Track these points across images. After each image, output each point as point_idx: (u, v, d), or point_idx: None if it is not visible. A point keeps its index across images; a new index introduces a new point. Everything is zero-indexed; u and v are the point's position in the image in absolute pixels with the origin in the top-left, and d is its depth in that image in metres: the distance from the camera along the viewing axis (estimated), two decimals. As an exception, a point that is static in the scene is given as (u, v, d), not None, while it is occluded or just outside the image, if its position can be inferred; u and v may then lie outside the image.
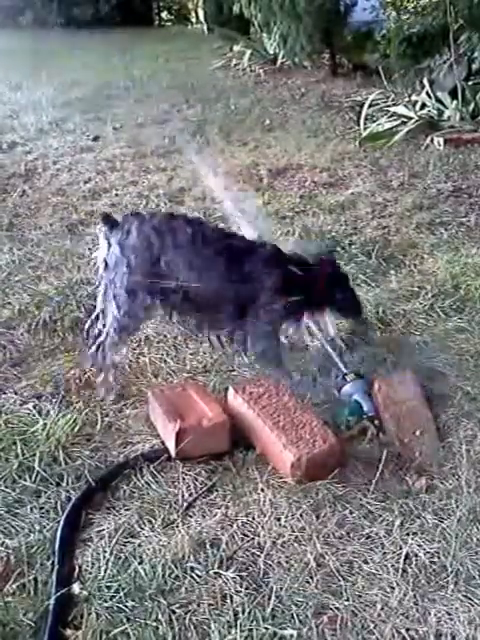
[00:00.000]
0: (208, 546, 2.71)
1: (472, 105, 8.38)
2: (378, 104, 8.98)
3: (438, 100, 8.63)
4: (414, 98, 8.89)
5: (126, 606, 2.46)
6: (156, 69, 13.22)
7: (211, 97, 10.98)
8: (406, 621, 2.43)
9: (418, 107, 8.70)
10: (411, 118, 8.40)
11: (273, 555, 2.69)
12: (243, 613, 2.43)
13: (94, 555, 2.68)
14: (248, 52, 13.49)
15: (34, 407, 3.51)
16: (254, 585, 2.55)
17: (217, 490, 3.01)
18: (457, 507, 2.88)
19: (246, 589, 2.53)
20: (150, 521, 2.84)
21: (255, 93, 11.43)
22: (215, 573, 2.59)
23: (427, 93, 8.77)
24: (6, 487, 3.00)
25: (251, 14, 11.59)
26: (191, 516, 2.88)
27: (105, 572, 2.59)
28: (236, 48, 14.07)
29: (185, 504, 2.92)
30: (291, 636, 2.37)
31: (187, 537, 2.73)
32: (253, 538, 2.77)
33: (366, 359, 3.95)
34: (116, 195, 6.70)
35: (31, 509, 2.89)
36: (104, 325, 3.59)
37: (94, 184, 7.04)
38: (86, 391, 3.64)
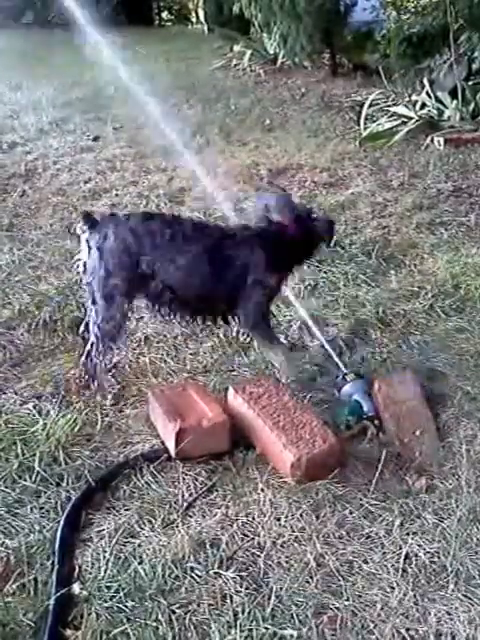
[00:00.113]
0: (208, 546, 2.71)
1: (472, 105, 8.38)
2: (378, 104, 8.97)
3: (438, 100, 8.63)
4: (414, 98, 8.89)
5: (126, 606, 2.46)
6: (156, 69, 13.20)
7: (211, 97, 10.97)
8: (406, 621, 2.43)
9: (418, 107, 8.70)
10: (411, 118, 8.40)
11: (273, 555, 2.69)
12: (243, 613, 2.43)
13: (94, 555, 2.68)
14: (248, 52, 13.47)
15: (34, 407, 3.51)
16: (254, 585, 2.56)
17: (217, 490, 3.01)
18: (457, 507, 2.88)
19: (246, 589, 2.53)
20: (150, 521, 2.84)
21: (255, 93, 11.43)
22: (215, 573, 2.59)
23: (427, 93, 8.77)
24: (6, 487, 3.00)
25: (251, 14, 11.58)
26: (191, 516, 2.88)
27: (105, 572, 2.59)
28: (236, 48, 14.05)
29: (185, 504, 2.92)
30: (291, 636, 2.37)
31: (187, 537, 2.73)
32: (253, 538, 2.77)
33: (366, 359, 3.96)
34: (116, 195, 6.69)
35: (31, 509, 2.89)
36: (89, 334, 3.59)
37: (94, 184, 7.03)
38: (86, 391, 3.63)
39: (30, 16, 21.93)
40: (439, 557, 2.67)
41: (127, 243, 3.44)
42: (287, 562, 2.66)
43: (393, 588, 2.55)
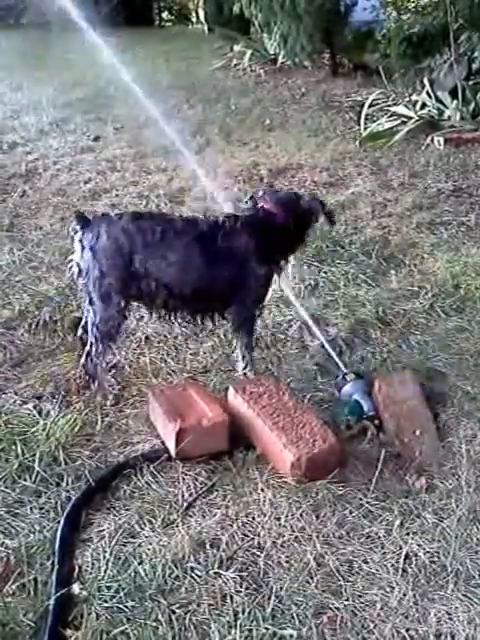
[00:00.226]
0: (208, 546, 2.71)
1: (472, 105, 8.39)
2: (378, 104, 8.98)
3: (438, 100, 8.64)
4: (414, 98, 8.89)
5: (126, 606, 2.46)
6: (157, 69, 13.22)
7: (212, 97, 10.98)
8: (406, 621, 2.43)
9: (418, 107, 8.70)
10: (411, 118, 8.41)
11: (273, 555, 2.69)
12: (243, 613, 2.43)
13: (94, 555, 2.68)
14: (248, 52, 13.48)
15: (34, 407, 3.51)
16: (254, 585, 2.56)
17: (217, 490, 3.01)
18: (457, 507, 2.88)
19: (246, 589, 2.53)
20: (150, 521, 2.84)
21: (255, 93, 11.43)
22: (215, 573, 2.59)
23: (427, 93, 8.77)
24: (6, 487, 3.00)
25: (251, 14, 11.58)
26: (191, 516, 2.88)
27: (105, 572, 2.59)
28: (236, 48, 14.06)
29: (185, 504, 2.92)
30: (291, 636, 2.37)
31: (187, 537, 2.73)
32: (253, 538, 2.77)
33: (366, 359, 3.96)
34: (116, 195, 6.70)
35: (31, 509, 2.89)
36: (88, 333, 3.59)
37: (94, 184, 7.04)
38: (86, 391, 3.63)
39: (30, 16, 21.94)
40: (439, 557, 2.67)
41: (119, 242, 3.43)
42: (287, 562, 2.66)
43: (393, 588, 2.55)
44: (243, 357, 3.73)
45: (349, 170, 7.30)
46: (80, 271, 3.52)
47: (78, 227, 3.50)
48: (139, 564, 2.63)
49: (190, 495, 2.97)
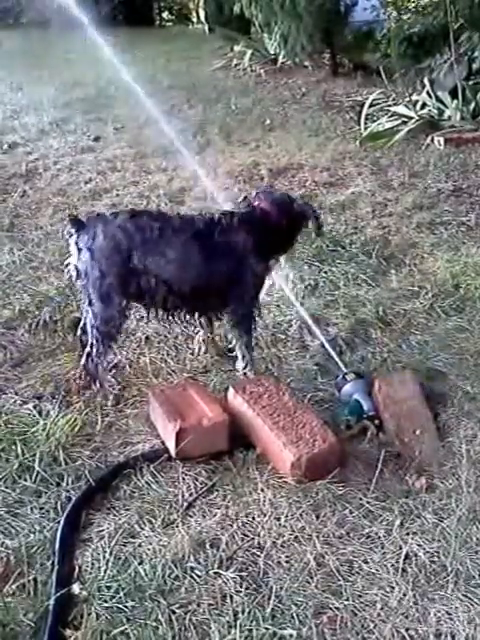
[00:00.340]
0: (208, 546, 2.71)
1: (472, 104, 8.39)
2: (379, 104, 8.98)
3: (439, 100, 8.63)
4: (415, 98, 8.89)
5: (126, 606, 2.46)
6: (157, 69, 13.21)
7: (212, 97, 10.97)
8: (406, 621, 2.43)
9: (419, 107, 8.70)
10: (412, 118, 8.40)
11: (273, 555, 2.69)
12: (243, 613, 2.43)
13: (94, 555, 2.68)
14: (249, 52, 13.47)
15: (34, 407, 3.51)
16: (254, 585, 2.56)
17: (217, 490, 3.01)
18: (457, 507, 2.88)
19: (246, 589, 2.53)
20: (150, 521, 2.84)
21: (256, 93, 11.43)
22: (215, 573, 2.60)
23: (428, 93, 8.77)
24: (6, 487, 3.01)
25: (252, 14, 11.58)
26: (191, 516, 2.88)
27: (105, 572, 2.60)
28: (237, 48, 14.06)
29: (185, 504, 2.92)
30: (291, 636, 2.37)
31: (187, 537, 2.74)
32: (253, 538, 2.77)
33: (366, 359, 3.96)
34: (117, 195, 6.70)
35: (31, 509, 2.89)
36: (88, 334, 3.59)
37: (95, 184, 7.04)
38: (86, 391, 3.63)
39: (30, 16, 21.94)
40: (439, 557, 2.67)
41: (117, 241, 3.43)
42: (287, 562, 2.66)
43: (393, 588, 2.55)
44: (243, 357, 3.74)
45: (349, 170, 7.30)
46: (79, 273, 3.52)
47: (73, 230, 3.50)
48: (139, 564, 2.63)
49: (190, 495, 2.97)
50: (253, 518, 2.85)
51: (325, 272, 4.97)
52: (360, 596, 2.52)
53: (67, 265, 3.61)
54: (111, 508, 2.92)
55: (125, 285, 3.48)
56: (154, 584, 2.54)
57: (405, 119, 8.43)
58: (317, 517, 2.85)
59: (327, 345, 3.88)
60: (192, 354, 4.00)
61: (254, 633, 2.36)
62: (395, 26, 10.72)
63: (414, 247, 5.45)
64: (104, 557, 2.66)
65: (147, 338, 4.15)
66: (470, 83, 8.65)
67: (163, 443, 3.23)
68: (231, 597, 2.50)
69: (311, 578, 2.58)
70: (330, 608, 2.47)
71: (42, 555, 2.67)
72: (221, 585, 2.55)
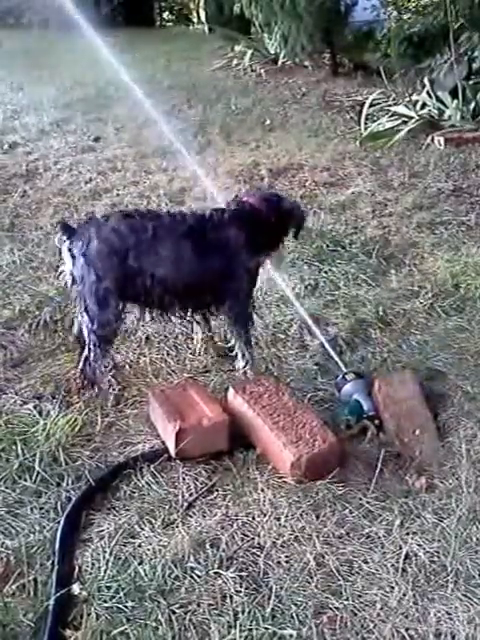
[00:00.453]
0: (208, 546, 2.71)
1: (473, 104, 8.38)
2: (379, 104, 8.97)
3: (439, 100, 8.63)
4: (415, 98, 8.88)
5: (126, 606, 2.46)
6: (157, 69, 13.21)
7: (212, 97, 10.97)
8: (406, 620, 2.43)
9: (419, 107, 8.69)
10: (412, 117, 8.40)
11: (273, 555, 2.69)
12: (243, 613, 2.43)
13: (94, 555, 2.68)
14: (249, 52, 13.46)
15: (34, 407, 3.51)
16: (254, 585, 2.56)
17: (217, 490, 3.01)
18: (457, 506, 2.88)
19: (246, 589, 2.53)
20: (150, 521, 2.84)
21: (256, 93, 11.42)
22: (215, 573, 2.60)
23: (428, 93, 8.76)
24: (6, 487, 3.01)
25: (252, 14, 11.57)
26: (191, 516, 2.88)
27: (105, 572, 2.60)
28: (237, 48, 14.04)
29: (185, 504, 2.92)
30: (291, 636, 2.37)
31: (187, 537, 2.74)
32: (253, 538, 2.77)
33: (366, 358, 3.96)
34: (117, 195, 6.70)
35: (31, 509, 2.89)
36: (85, 339, 3.59)
37: (95, 184, 7.03)
38: (86, 391, 3.63)
39: (31, 16, 21.93)
40: (439, 557, 2.67)
41: (111, 243, 3.43)
42: (287, 562, 2.66)
43: (393, 588, 2.55)
44: (243, 355, 3.74)
45: (349, 170, 7.30)
46: (74, 279, 3.51)
47: (65, 237, 3.49)
48: (139, 564, 2.63)
49: (190, 495, 2.97)
50: (253, 518, 2.86)
51: (325, 272, 4.97)
52: (360, 596, 2.52)
53: (61, 273, 3.60)
54: (111, 508, 2.92)
55: (122, 287, 3.48)
56: (154, 584, 2.54)
57: (405, 119, 8.43)
58: (317, 517, 2.85)
59: (327, 345, 3.88)
60: (192, 354, 4.00)
61: (254, 633, 2.36)
62: (395, 26, 10.72)
63: (414, 247, 5.45)
64: (104, 557, 2.66)
65: (147, 338, 4.15)
66: (470, 83, 8.64)
67: (163, 443, 3.23)
68: (231, 597, 2.50)
69: (311, 578, 2.58)
70: (330, 608, 2.47)
71: (42, 555, 2.67)
72: (221, 585, 2.55)
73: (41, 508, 2.90)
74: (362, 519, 2.85)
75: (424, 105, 8.70)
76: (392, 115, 8.61)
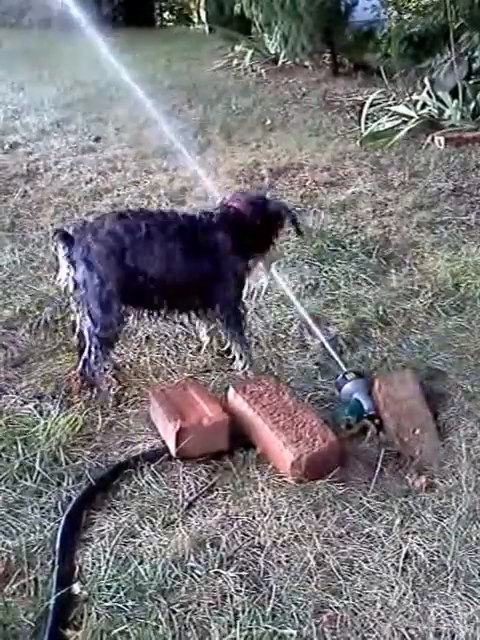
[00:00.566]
0: (208, 546, 2.71)
1: (473, 104, 8.37)
2: (379, 103, 8.96)
3: (439, 99, 8.62)
4: (415, 97, 8.87)
5: (126, 606, 2.46)
6: (158, 69, 13.21)
7: (212, 97, 10.96)
8: (406, 620, 2.43)
9: (419, 106, 8.68)
10: (412, 117, 8.39)
11: (273, 554, 2.69)
12: (243, 612, 2.43)
13: (94, 555, 2.68)
14: (249, 52, 13.46)
15: (35, 407, 3.51)
16: (254, 585, 2.56)
17: (217, 489, 3.01)
18: (457, 506, 2.88)
19: (246, 589, 2.54)
20: (150, 521, 2.84)
21: (256, 93, 11.41)
22: (215, 573, 2.60)
23: (428, 92, 8.76)
24: (7, 487, 3.01)
25: (252, 14, 11.57)
26: (191, 516, 2.88)
27: (105, 572, 2.60)
28: (237, 48, 14.04)
29: (185, 504, 2.93)
30: (291, 635, 2.37)
31: (187, 537, 2.74)
32: (253, 538, 2.77)
33: (366, 358, 3.96)
34: (117, 195, 6.69)
35: (32, 509, 2.90)
36: (85, 343, 3.59)
37: (95, 184, 7.03)
38: (87, 391, 3.63)
39: (32, 16, 21.92)
40: (439, 556, 2.67)
41: (110, 245, 3.44)
42: (287, 561, 2.66)
43: (393, 587, 2.55)
44: (241, 356, 3.75)
45: (350, 170, 7.29)
46: (77, 285, 3.51)
47: (62, 244, 3.50)
48: (139, 564, 2.63)
49: (190, 495, 2.97)
50: (253, 518, 2.86)
51: (325, 272, 4.97)
52: (360, 595, 2.53)
53: (60, 280, 3.59)
54: (111, 508, 2.93)
55: (123, 289, 3.48)
56: (154, 584, 2.55)
57: (405, 119, 8.42)
58: (317, 516, 2.85)
59: (327, 344, 3.89)
60: (193, 354, 4.01)
61: (254, 632, 2.37)
62: (395, 26, 10.71)
63: (414, 246, 5.45)
64: (104, 557, 2.66)
65: (147, 338, 4.15)
66: (470, 83, 8.63)
67: (163, 443, 3.23)
68: (231, 597, 2.50)
69: (311, 577, 2.58)
70: (330, 607, 2.47)
71: (42, 555, 2.67)
72: (221, 585, 2.55)
73: (42, 508, 2.91)
74: (362, 518, 2.86)
75: (424, 105, 8.70)
76: (392, 115, 8.61)
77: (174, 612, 2.44)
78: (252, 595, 2.51)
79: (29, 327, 4.28)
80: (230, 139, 8.62)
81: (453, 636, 2.38)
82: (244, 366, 3.75)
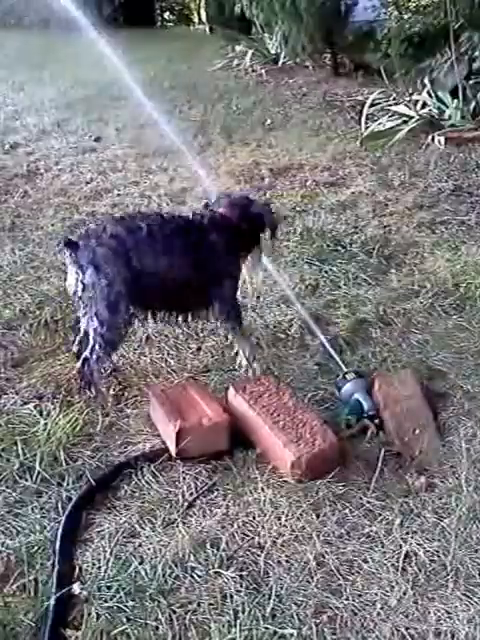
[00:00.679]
0: (208, 546, 2.71)
1: (473, 104, 8.37)
2: (379, 103, 8.96)
3: (439, 99, 8.62)
4: (415, 97, 8.87)
5: (126, 606, 2.46)
6: (158, 70, 13.21)
7: (213, 97, 10.97)
8: (406, 620, 2.43)
9: (419, 106, 8.68)
10: (412, 117, 8.39)
11: (273, 554, 2.69)
12: (243, 612, 2.43)
13: (94, 555, 2.69)
14: (250, 52, 13.47)
15: (35, 407, 3.51)
16: (254, 585, 2.56)
17: (217, 489, 3.01)
18: (457, 506, 2.88)
19: (246, 589, 2.54)
20: (150, 521, 2.84)
21: (257, 93, 11.42)
22: (215, 573, 2.60)
23: (428, 92, 8.75)
24: (7, 487, 3.01)
25: (253, 14, 11.59)
26: (191, 516, 2.88)
27: (105, 572, 2.60)
28: (238, 48, 14.05)
29: (185, 504, 2.93)
30: (291, 635, 2.37)
31: (187, 537, 2.74)
32: (253, 537, 2.77)
33: (366, 358, 3.96)
34: (118, 195, 6.70)
35: (32, 509, 2.90)
36: (87, 342, 3.58)
37: (96, 185, 7.04)
38: (86, 391, 3.62)
39: (32, 17, 21.93)
40: (439, 556, 2.67)
41: (115, 248, 3.46)
42: (287, 561, 2.66)
43: (393, 587, 2.55)
44: (243, 351, 3.79)
45: (350, 169, 7.30)
46: (85, 288, 3.51)
47: (68, 251, 3.50)
48: (139, 564, 2.63)
49: (190, 495, 2.97)
50: (253, 517, 2.86)
51: (326, 272, 4.97)
52: (360, 595, 2.53)
53: (69, 285, 3.59)
54: (111, 508, 2.93)
55: (130, 289, 3.49)
56: (154, 584, 2.55)
57: (406, 119, 8.42)
58: (317, 516, 2.85)
59: (327, 344, 3.89)
60: (192, 354, 4.01)
61: (254, 632, 2.37)
62: (396, 26, 10.69)
63: (414, 246, 5.45)
64: (104, 557, 2.66)
65: (148, 338, 4.15)
66: (470, 83, 8.63)
67: (163, 443, 3.23)
68: (231, 597, 2.50)
69: (311, 577, 2.58)
70: (330, 607, 2.47)
71: (42, 555, 2.67)
72: (221, 585, 2.55)
73: (42, 508, 2.91)
74: (362, 518, 2.86)
75: (424, 105, 8.69)
76: (392, 115, 8.60)
77: (174, 612, 2.44)
78: (252, 595, 2.51)
79: (29, 327, 4.27)
80: (230, 139, 8.63)
81: (453, 636, 2.38)
82: (248, 359, 3.77)
